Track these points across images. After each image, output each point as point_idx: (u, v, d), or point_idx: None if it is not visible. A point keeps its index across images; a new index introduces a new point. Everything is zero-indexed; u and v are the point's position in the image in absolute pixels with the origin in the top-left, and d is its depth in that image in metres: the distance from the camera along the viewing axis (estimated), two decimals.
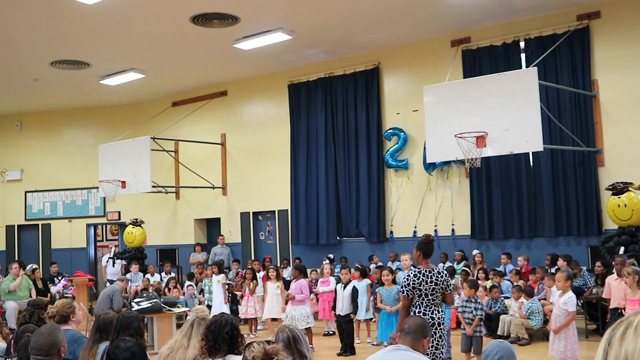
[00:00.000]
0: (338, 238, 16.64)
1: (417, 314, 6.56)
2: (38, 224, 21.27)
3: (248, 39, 14.59)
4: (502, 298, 11.93)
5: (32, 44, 14.54)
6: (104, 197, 18.00)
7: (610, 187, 11.61)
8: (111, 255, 17.86)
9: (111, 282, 15.52)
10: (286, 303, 11.38)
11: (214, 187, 18.79)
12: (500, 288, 12.22)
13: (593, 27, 13.50)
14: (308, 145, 17.18)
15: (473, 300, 9.21)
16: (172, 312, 11.65)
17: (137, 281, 16.01)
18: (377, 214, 15.94)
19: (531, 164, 14.12)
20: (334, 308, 11.40)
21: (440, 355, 6.62)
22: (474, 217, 14.71)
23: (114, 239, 22.07)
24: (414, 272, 6.77)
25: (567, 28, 13.62)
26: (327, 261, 14.67)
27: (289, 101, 17.59)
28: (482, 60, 14.62)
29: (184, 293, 14.74)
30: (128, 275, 16.06)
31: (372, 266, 14.76)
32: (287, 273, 15.17)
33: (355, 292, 11.26)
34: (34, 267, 15.88)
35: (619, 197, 11.32)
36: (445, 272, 6.95)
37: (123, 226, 19.21)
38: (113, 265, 17.51)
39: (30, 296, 13.75)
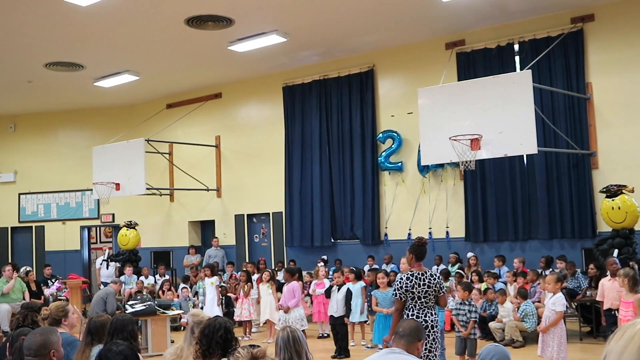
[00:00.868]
0: (332, 240, 16.64)
1: (410, 317, 6.57)
2: (32, 226, 21.21)
3: (242, 41, 14.58)
4: (497, 301, 11.93)
5: (26, 46, 14.51)
6: (98, 199, 17.96)
7: (604, 189, 11.63)
8: (105, 258, 17.80)
9: (105, 284, 15.46)
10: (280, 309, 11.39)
11: (208, 190, 18.77)
12: (495, 290, 12.23)
13: (587, 30, 13.53)
14: (303, 147, 17.17)
15: (467, 302, 9.21)
16: (166, 315, 11.63)
17: (131, 283, 15.96)
18: (371, 217, 15.94)
19: (525, 166, 14.14)
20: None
21: (434, 358, 6.62)
22: (469, 219, 14.73)
23: (107, 241, 22.02)
24: (407, 275, 6.77)
25: (561, 31, 13.65)
26: (322, 263, 14.66)
27: (284, 103, 17.59)
28: (476, 63, 14.64)
29: (178, 295, 14.71)
30: (122, 278, 15.99)
31: (366, 268, 14.76)
32: (281, 276, 15.16)
33: (349, 294, 11.27)
34: (28, 269, 15.80)
35: (612, 200, 11.34)
36: (438, 274, 6.96)
37: (117, 228, 19.17)
38: (107, 268, 17.45)
39: (24, 299, 13.69)
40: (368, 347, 11.09)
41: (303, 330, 10.70)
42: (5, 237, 21.29)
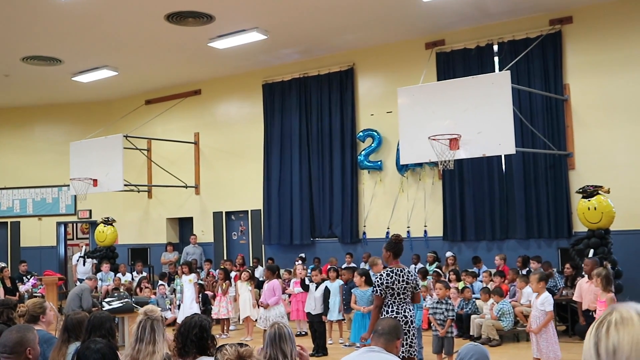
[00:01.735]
0: (311, 239, 16.64)
1: (389, 313, 6.76)
2: (7, 222, 20.98)
3: (223, 38, 14.54)
4: (474, 299, 12.02)
5: (3, 40, 14.35)
6: (75, 195, 17.80)
7: (581, 190, 11.75)
8: (82, 254, 17.66)
9: (81, 281, 15.33)
10: (259, 306, 11.39)
11: (186, 187, 18.69)
12: (472, 289, 12.33)
13: (565, 32, 13.66)
14: (282, 145, 17.16)
15: (444, 301, 9.26)
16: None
17: (108, 280, 15.86)
18: (350, 215, 15.98)
19: (503, 166, 14.24)
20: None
21: (415, 352, 6.77)
22: (447, 218, 14.81)
23: (84, 238, 21.85)
24: (387, 271, 6.93)
25: (539, 32, 13.76)
26: (300, 261, 14.66)
27: (263, 101, 17.56)
28: (456, 63, 14.71)
29: (155, 293, 14.64)
30: (99, 275, 15.90)
31: (344, 265, 14.79)
32: (258, 273, 15.14)
33: (327, 292, 11.28)
34: (2, 265, 15.66)
35: (589, 200, 11.46)
36: (414, 271, 7.17)
37: (94, 225, 19.03)
38: (84, 264, 17.33)
39: None
40: (346, 345, 11.12)
41: None
42: None
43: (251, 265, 16.07)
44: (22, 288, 15.70)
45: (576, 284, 10.64)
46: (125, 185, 16.82)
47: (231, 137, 18.30)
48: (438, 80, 14.40)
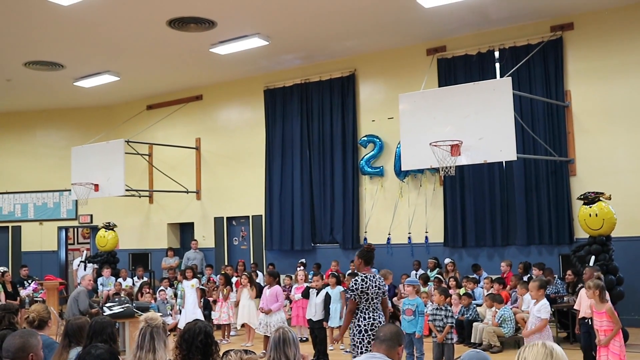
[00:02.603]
0: (312, 244, 16.63)
1: (364, 317, 7.17)
2: (8, 226, 20.99)
3: (224, 43, 14.56)
4: (475, 305, 12.01)
5: (6, 45, 14.38)
6: (76, 200, 17.81)
7: (582, 196, 11.74)
8: (83, 259, 17.66)
9: None
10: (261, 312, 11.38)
11: (187, 192, 18.71)
12: (473, 295, 12.31)
13: (566, 39, 13.68)
14: (283, 151, 17.17)
15: (443, 308, 9.24)
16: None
17: (109, 285, 15.86)
18: (351, 221, 15.98)
19: (504, 172, 14.24)
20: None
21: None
22: (447, 224, 14.80)
23: (85, 242, 21.86)
24: (362, 277, 7.26)
25: (540, 39, 13.78)
26: (302, 267, 14.65)
27: (265, 106, 17.58)
28: (457, 69, 14.73)
29: (155, 298, 14.62)
30: (100, 280, 15.91)
31: (348, 272, 14.79)
32: (259, 278, 15.13)
33: (327, 298, 11.27)
34: (4, 270, 15.66)
35: (590, 207, 11.44)
36: (380, 277, 7.53)
37: (95, 229, 19.03)
38: (84, 269, 17.30)
39: None
40: (347, 352, 11.10)
41: None
42: None
43: (250, 270, 16.03)
44: (23, 292, 15.69)
45: (578, 291, 10.60)
46: (126, 190, 16.83)
47: (232, 143, 18.31)
48: (439, 86, 14.41)
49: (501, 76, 13.76)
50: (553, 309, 11.47)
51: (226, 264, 17.19)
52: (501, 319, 11.03)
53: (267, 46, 14.81)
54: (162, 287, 14.91)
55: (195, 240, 18.37)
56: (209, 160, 18.81)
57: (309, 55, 16.15)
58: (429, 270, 14.25)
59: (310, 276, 13.32)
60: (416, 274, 13.93)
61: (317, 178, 16.65)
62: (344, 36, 14.70)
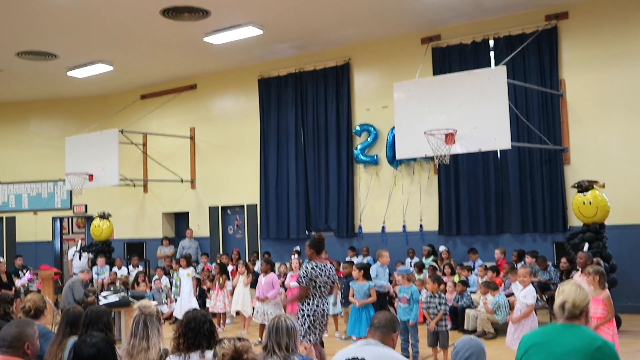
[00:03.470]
0: (307, 232, 16.66)
1: (308, 304, 7.59)
2: (2, 217, 20.97)
3: (218, 32, 14.51)
4: (469, 292, 12.07)
5: None
6: (71, 190, 17.80)
7: (576, 184, 11.78)
8: (78, 249, 17.65)
9: None
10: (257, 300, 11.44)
11: (182, 181, 18.70)
12: (468, 282, 12.37)
13: (561, 28, 13.68)
14: (278, 140, 17.17)
15: (437, 295, 9.28)
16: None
17: (104, 274, 15.87)
18: (346, 209, 16.02)
19: (499, 161, 14.28)
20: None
21: (317, 339, 7.60)
22: (442, 213, 14.85)
23: (80, 232, 21.84)
24: (312, 265, 7.66)
25: (535, 28, 13.79)
26: (296, 255, 14.69)
27: (259, 96, 17.56)
28: (452, 58, 14.73)
29: (151, 287, 14.65)
30: (95, 269, 15.91)
31: (347, 259, 14.87)
32: (257, 267, 15.16)
33: None
34: None
35: (584, 195, 11.49)
36: (332, 265, 7.93)
37: (90, 219, 19.01)
38: (79, 259, 17.32)
39: None
40: (342, 339, 11.16)
41: None
42: None
43: (248, 259, 16.05)
44: (18, 282, 15.69)
45: (571, 277, 10.66)
46: (120, 179, 16.82)
47: (227, 132, 18.30)
48: (434, 75, 14.41)
49: (496, 65, 13.77)
50: (547, 296, 11.57)
51: (221, 252, 17.22)
52: (496, 305, 11.08)
53: (261, 35, 14.77)
54: (157, 276, 14.93)
55: (190, 229, 18.38)
56: (204, 150, 18.80)
57: (303, 45, 16.12)
58: (424, 257, 14.30)
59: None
60: (411, 262, 13.99)
61: (312, 167, 16.67)
62: (339, 25, 14.67)
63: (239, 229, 18.31)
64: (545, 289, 11.97)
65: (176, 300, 13.25)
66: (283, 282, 13.25)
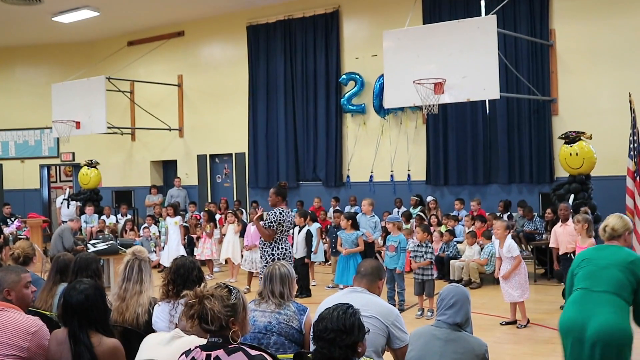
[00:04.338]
0: (296, 182, 16.70)
1: (277, 247, 8.49)
2: None
3: None
4: (455, 242, 12.18)
5: None
6: (58, 138, 17.68)
7: (563, 135, 11.82)
8: (66, 197, 17.64)
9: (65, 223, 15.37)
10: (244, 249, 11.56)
11: (170, 129, 18.62)
12: (454, 232, 12.48)
13: None
14: (267, 88, 17.08)
15: (424, 245, 9.37)
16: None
17: (93, 222, 15.90)
18: (334, 158, 16.05)
19: (487, 111, 14.28)
20: None
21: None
22: (430, 163, 14.90)
23: (68, 180, 21.79)
24: (279, 211, 8.51)
25: None
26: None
27: (248, 43, 17.39)
28: (442, 7, 14.59)
29: (139, 235, 14.71)
30: (83, 217, 15.92)
31: (331, 210, 14.95)
32: (243, 216, 15.22)
33: (309, 235, 11.42)
34: None
35: (571, 146, 11.54)
36: (293, 213, 8.98)
37: (78, 167, 18.96)
38: (68, 207, 17.32)
39: None
40: (329, 287, 11.29)
41: None
42: None
43: (234, 208, 16.10)
44: (6, 230, 15.64)
45: (550, 229, 10.75)
46: (108, 127, 16.73)
47: (215, 80, 18.16)
48: (424, 23, 14.29)
49: (486, 14, 13.63)
50: (532, 246, 11.71)
51: (209, 201, 17.25)
52: (490, 254, 11.11)
53: None
54: (146, 224, 14.98)
55: (179, 177, 18.38)
56: (192, 98, 18.67)
57: None
58: (411, 207, 14.39)
59: (293, 213, 13.43)
60: (398, 212, 14.08)
61: (301, 116, 16.62)
62: None
63: (227, 178, 18.33)
64: (530, 239, 12.10)
65: (164, 248, 13.32)
66: None
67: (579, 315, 4.36)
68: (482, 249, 11.43)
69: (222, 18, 17.78)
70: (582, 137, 11.53)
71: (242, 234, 12.55)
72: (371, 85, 15.42)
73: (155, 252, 14.05)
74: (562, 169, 12.16)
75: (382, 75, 13.48)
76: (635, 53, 12.73)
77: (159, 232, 14.64)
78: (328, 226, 13.57)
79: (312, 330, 3.36)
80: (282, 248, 8.54)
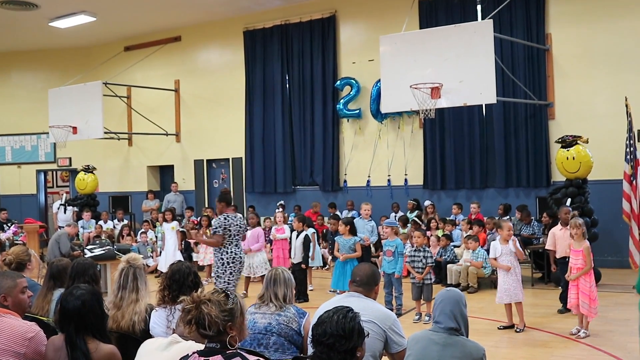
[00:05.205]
0: (293, 187, 16.70)
1: (226, 252, 8.48)
2: None
3: None
4: (452, 247, 12.18)
5: None
6: (55, 143, 17.66)
7: (560, 140, 11.83)
8: (62, 202, 17.61)
9: (62, 228, 15.33)
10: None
11: (167, 134, 18.61)
12: (451, 236, 12.47)
13: None
14: (264, 93, 17.08)
15: (422, 249, 9.36)
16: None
17: (90, 228, 15.86)
18: (331, 163, 16.05)
19: (484, 115, 14.29)
20: None
21: (234, 286, 8.48)
22: (427, 167, 14.91)
23: (64, 185, 21.75)
24: (224, 216, 8.55)
25: None
26: (281, 209, 14.73)
27: (244, 48, 17.40)
28: (438, 11, 14.62)
29: (136, 240, 14.69)
30: (80, 222, 15.88)
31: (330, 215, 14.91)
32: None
33: (307, 240, 11.41)
34: None
35: (567, 150, 11.54)
36: (242, 216, 8.93)
37: (74, 173, 18.92)
38: (64, 212, 17.30)
39: None
40: (327, 292, 11.26)
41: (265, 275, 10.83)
42: None
43: None
44: (2, 236, 15.65)
45: (547, 232, 10.76)
46: (105, 132, 16.72)
47: (212, 85, 18.16)
48: (420, 28, 14.31)
49: (482, 18, 13.66)
50: (529, 250, 11.71)
51: (206, 206, 17.24)
52: (484, 257, 11.07)
53: None
54: (143, 230, 14.96)
55: (175, 182, 18.37)
56: (189, 103, 18.67)
57: None
58: (408, 212, 14.38)
59: (290, 218, 13.42)
60: (395, 216, 14.07)
61: (297, 120, 16.63)
62: None
63: (224, 183, 18.32)
64: (528, 244, 12.10)
65: (161, 254, 13.29)
66: (267, 236, 13.32)
67: None
68: (473, 251, 11.41)
69: (219, 23, 17.79)
70: (578, 141, 11.53)
71: None
72: (367, 90, 15.43)
73: (152, 258, 14.02)
74: (559, 173, 12.17)
75: (380, 80, 13.48)
76: (631, 57, 12.76)
77: (156, 237, 14.61)
78: (325, 231, 13.54)
79: (310, 333, 3.34)
80: (231, 252, 8.51)
